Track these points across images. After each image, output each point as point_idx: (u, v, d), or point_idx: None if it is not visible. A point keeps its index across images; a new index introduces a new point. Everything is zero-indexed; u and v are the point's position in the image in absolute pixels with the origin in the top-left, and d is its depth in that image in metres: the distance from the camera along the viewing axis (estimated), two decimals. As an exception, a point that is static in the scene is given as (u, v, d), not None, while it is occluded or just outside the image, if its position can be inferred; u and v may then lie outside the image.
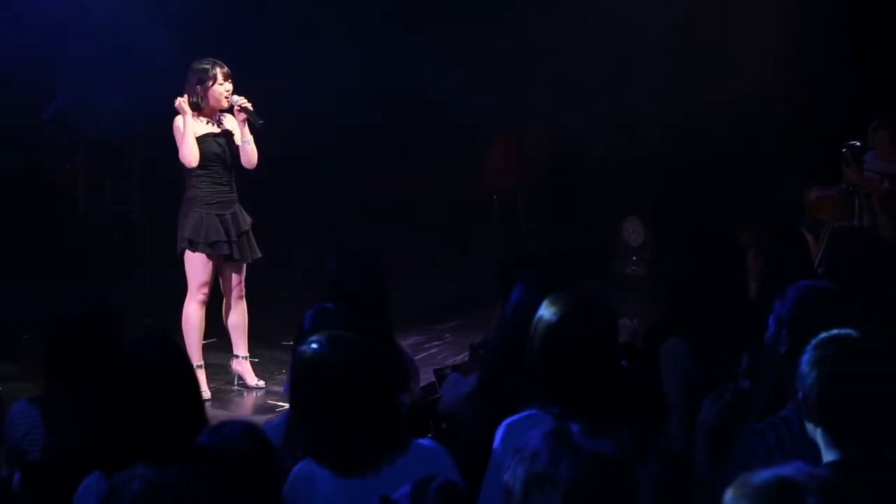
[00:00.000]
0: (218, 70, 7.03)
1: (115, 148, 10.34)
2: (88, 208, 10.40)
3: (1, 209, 9.59)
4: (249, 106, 7.07)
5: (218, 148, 7.08)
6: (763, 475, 2.17)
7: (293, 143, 10.20)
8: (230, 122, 7.15)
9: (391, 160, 11.85)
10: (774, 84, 10.89)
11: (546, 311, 3.57)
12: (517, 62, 11.36)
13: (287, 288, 9.30)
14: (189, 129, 6.95)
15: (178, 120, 6.99)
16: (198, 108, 7.04)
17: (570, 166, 12.15)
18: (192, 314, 7.09)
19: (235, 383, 7.45)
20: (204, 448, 3.01)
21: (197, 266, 7.05)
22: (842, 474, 2.75)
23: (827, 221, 8.81)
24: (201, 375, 6.99)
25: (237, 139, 7.13)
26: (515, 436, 3.32)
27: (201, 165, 7.03)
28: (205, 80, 7.02)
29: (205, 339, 7.26)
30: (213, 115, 7.11)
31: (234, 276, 7.23)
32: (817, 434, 2.91)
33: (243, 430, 3.05)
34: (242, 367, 7.42)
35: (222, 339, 7.54)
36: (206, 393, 6.97)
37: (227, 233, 7.06)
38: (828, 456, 2.88)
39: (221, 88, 7.03)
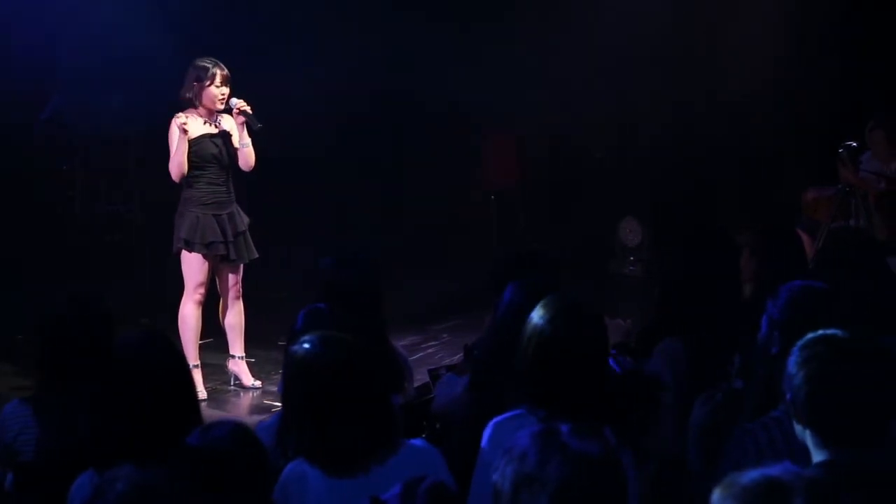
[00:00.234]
0: (217, 71, 7.03)
1: (112, 148, 10.33)
2: (85, 208, 10.39)
3: (-2, 209, 9.61)
4: (248, 109, 7.07)
5: (215, 149, 7.08)
6: (750, 475, 2.17)
7: (293, 143, 10.21)
8: (228, 123, 7.15)
9: (390, 160, 11.85)
10: (772, 85, 10.88)
11: (536, 314, 3.57)
12: (517, 62, 11.36)
13: (286, 288, 9.30)
14: (180, 148, 6.95)
15: (174, 128, 6.99)
16: (191, 105, 7.05)
17: (569, 166, 12.14)
18: (189, 314, 7.09)
19: (232, 383, 7.46)
20: (192, 449, 3.01)
21: (193, 266, 7.06)
22: (829, 474, 2.74)
23: (823, 222, 8.79)
24: (198, 375, 7.01)
25: (235, 141, 7.13)
26: (503, 435, 3.33)
27: (198, 166, 7.04)
28: (202, 78, 7.03)
29: (201, 339, 7.27)
30: (211, 115, 7.11)
31: (230, 276, 7.23)
32: (806, 435, 2.90)
33: (232, 431, 3.05)
34: (239, 367, 7.42)
35: (219, 340, 7.55)
36: (202, 393, 6.97)
37: (224, 233, 7.06)
38: (817, 456, 2.87)
39: (217, 91, 7.03)
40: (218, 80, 7.03)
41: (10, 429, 3.96)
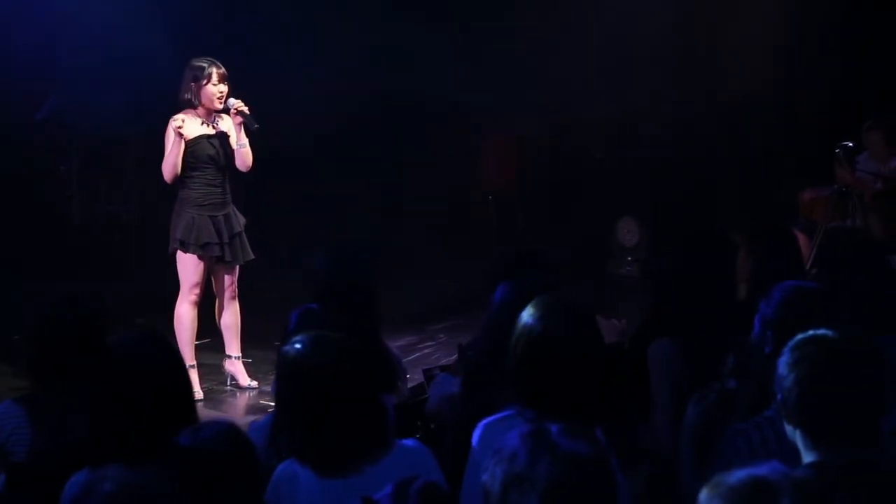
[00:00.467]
0: (214, 70, 7.03)
1: (109, 148, 10.34)
2: (83, 208, 10.39)
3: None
4: (246, 109, 7.07)
5: (212, 150, 7.07)
6: (738, 475, 2.17)
7: (293, 143, 10.21)
8: (226, 124, 7.14)
9: (390, 160, 11.85)
10: (771, 85, 10.87)
11: (526, 313, 3.56)
12: (517, 62, 11.36)
13: (285, 288, 9.27)
14: (174, 150, 6.95)
15: (170, 130, 6.99)
16: (191, 106, 7.04)
17: (569, 166, 12.14)
18: (184, 314, 7.10)
19: (228, 384, 7.46)
20: (182, 449, 3.00)
21: (188, 267, 7.06)
22: (818, 475, 2.74)
23: (820, 222, 8.80)
24: (194, 375, 7.02)
25: (233, 142, 7.12)
26: (493, 436, 3.32)
27: (195, 167, 7.04)
28: (199, 78, 7.03)
29: (198, 339, 7.28)
30: (209, 115, 7.10)
31: (226, 277, 7.23)
32: (796, 435, 2.89)
33: (222, 431, 3.04)
34: (235, 367, 7.42)
35: (216, 340, 7.54)
36: (198, 393, 6.97)
37: (219, 234, 7.06)
38: (807, 457, 2.86)
39: (214, 89, 7.02)
40: (215, 78, 7.02)
41: (2, 429, 3.96)
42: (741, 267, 4.73)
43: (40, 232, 9.84)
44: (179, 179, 7.05)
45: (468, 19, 11.30)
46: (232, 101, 7.07)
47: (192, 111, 7.07)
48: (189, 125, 7.02)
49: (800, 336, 2.92)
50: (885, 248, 5.68)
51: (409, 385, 5.09)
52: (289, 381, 3.49)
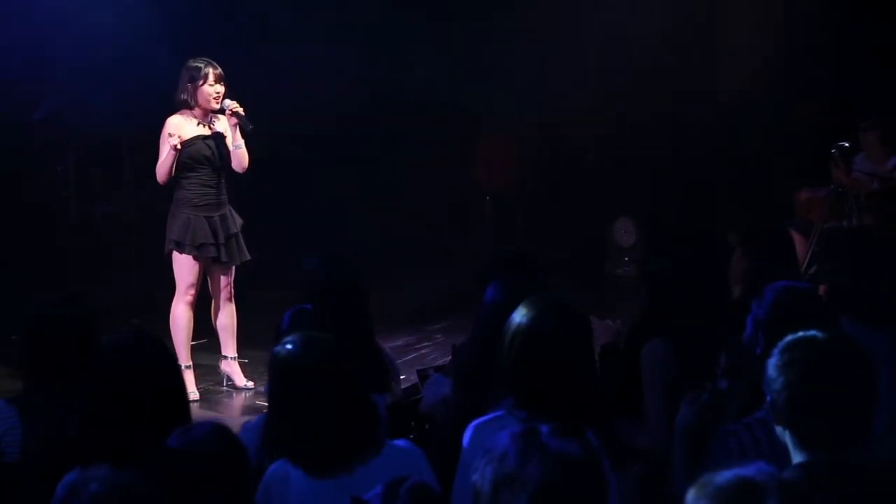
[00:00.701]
0: (210, 70, 7.03)
1: (106, 148, 10.32)
2: (79, 208, 10.38)
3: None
4: (241, 110, 7.06)
5: (207, 150, 7.07)
6: (724, 475, 2.17)
7: (291, 144, 10.19)
8: (222, 125, 7.14)
9: (387, 160, 11.84)
10: (768, 85, 10.87)
11: (519, 313, 3.56)
12: (514, 62, 11.35)
13: (282, 289, 9.26)
14: (168, 157, 6.95)
15: (165, 134, 6.98)
16: (187, 106, 7.04)
17: (566, 166, 12.14)
18: (180, 315, 7.09)
19: (224, 384, 7.46)
20: (171, 450, 3.00)
21: (184, 267, 7.06)
22: (805, 475, 2.73)
23: (817, 222, 8.80)
24: (189, 376, 7.03)
25: (229, 142, 7.12)
26: (483, 437, 3.32)
27: (191, 168, 7.04)
28: (196, 78, 7.03)
29: (194, 340, 7.27)
30: (205, 116, 7.10)
31: (222, 278, 7.23)
32: (786, 436, 2.89)
33: (211, 432, 3.03)
34: (231, 367, 7.42)
35: (212, 340, 7.54)
36: (194, 394, 6.98)
37: (215, 235, 7.05)
38: (796, 458, 2.86)
39: (211, 90, 7.02)
40: (211, 78, 7.02)
41: (-4, 429, 3.95)
42: (736, 267, 4.73)
43: (36, 232, 9.82)
44: (175, 180, 7.05)
45: (467, 20, 11.29)
46: (227, 102, 7.06)
47: (189, 112, 7.07)
48: (185, 127, 7.02)
49: (789, 337, 2.91)
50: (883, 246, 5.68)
51: (404, 385, 5.09)
52: (280, 381, 3.49)
